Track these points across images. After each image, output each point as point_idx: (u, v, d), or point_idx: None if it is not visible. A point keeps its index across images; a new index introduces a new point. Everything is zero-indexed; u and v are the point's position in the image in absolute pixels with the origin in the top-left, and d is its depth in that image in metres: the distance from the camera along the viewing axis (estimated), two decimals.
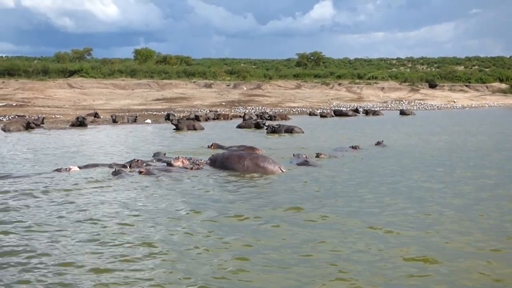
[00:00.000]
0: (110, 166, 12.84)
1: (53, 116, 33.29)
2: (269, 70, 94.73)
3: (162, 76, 76.15)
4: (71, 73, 74.01)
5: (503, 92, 75.97)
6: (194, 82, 74.66)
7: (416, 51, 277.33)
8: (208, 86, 72.29)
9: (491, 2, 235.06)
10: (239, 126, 27.68)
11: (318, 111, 41.71)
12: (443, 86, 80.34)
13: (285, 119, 33.38)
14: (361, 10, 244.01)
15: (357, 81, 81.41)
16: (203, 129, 26.01)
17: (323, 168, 13.02)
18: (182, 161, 13.22)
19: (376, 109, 46.67)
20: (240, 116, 34.90)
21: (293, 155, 14.75)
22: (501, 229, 7.70)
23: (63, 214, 8.37)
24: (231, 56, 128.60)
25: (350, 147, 17.19)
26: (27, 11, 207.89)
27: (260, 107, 47.49)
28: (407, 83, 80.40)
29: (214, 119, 34.38)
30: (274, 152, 16.08)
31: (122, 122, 30.15)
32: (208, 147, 17.57)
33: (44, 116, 30.26)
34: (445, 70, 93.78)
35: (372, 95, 70.12)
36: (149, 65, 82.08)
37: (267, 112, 36.75)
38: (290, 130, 23.94)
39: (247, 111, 41.16)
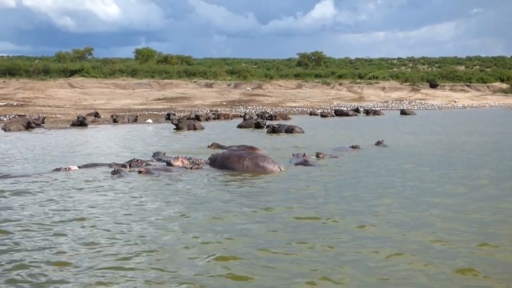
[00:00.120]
0: (109, 165, 12.85)
1: (54, 116, 33.31)
2: (270, 69, 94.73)
3: (163, 76, 76.19)
4: (72, 73, 74.07)
5: (504, 92, 75.91)
6: (195, 82, 74.69)
7: (417, 50, 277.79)
8: (209, 86, 72.31)
9: (492, 2, 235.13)
10: (240, 126, 27.68)
11: (319, 111, 41.70)
12: (444, 86, 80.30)
13: (286, 119, 33.37)
14: (362, 10, 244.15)
15: (358, 81, 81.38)
16: (203, 128, 26.01)
17: (322, 168, 13.03)
18: (182, 161, 13.22)
19: (376, 109, 46.65)
20: (241, 116, 34.89)
21: (293, 154, 14.76)
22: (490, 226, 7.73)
23: (58, 214, 8.38)
24: (232, 56, 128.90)
25: (350, 147, 17.19)
26: (28, 10, 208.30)
27: (260, 107, 47.48)
28: (408, 83, 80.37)
29: (214, 118, 34.38)
30: (274, 152, 16.07)
31: (123, 122, 30.16)
32: (208, 146, 17.57)
33: (44, 115, 30.29)
34: (446, 70, 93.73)
35: (373, 95, 70.09)
36: (150, 65, 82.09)
37: (268, 112, 36.75)
38: (290, 130, 23.94)
39: (248, 110, 41.16)
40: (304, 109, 47.10)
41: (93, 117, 31.23)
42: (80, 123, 27.01)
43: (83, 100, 50.12)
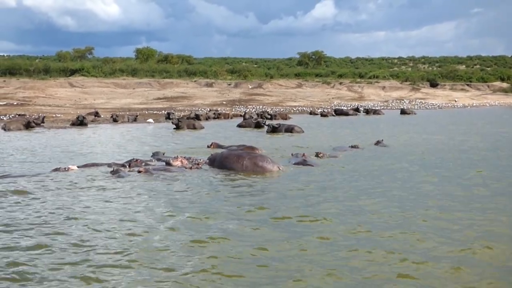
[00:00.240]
0: (109, 165, 12.86)
1: (54, 115, 33.32)
2: (271, 69, 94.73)
3: (163, 75, 76.16)
4: (72, 72, 74.06)
5: (504, 91, 75.84)
6: (195, 81, 74.66)
7: (418, 50, 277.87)
8: (209, 85, 72.28)
9: (492, 2, 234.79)
10: (240, 125, 27.67)
11: (319, 110, 41.67)
12: (444, 85, 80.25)
13: (286, 119, 33.35)
14: (363, 9, 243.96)
15: (358, 80, 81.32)
16: (203, 128, 26.01)
17: (321, 168, 13.04)
18: (181, 161, 13.23)
19: (376, 108, 46.64)
20: (241, 115, 34.87)
21: (292, 154, 14.77)
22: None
23: (56, 213, 8.40)
24: (232, 55, 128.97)
25: (349, 146, 17.20)
26: (29, 10, 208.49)
27: (261, 106, 47.46)
28: (408, 82, 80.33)
29: (214, 118, 34.37)
30: (273, 152, 16.08)
31: (123, 122, 30.16)
32: (208, 146, 17.57)
33: (44, 115, 30.26)
34: (446, 69, 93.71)
35: (373, 94, 70.06)
36: (150, 64, 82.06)
37: (268, 112, 36.73)
38: (290, 130, 23.93)
39: (248, 110, 41.15)
40: (304, 108, 47.08)
41: (93, 117, 31.21)
42: (80, 122, 27.01)
43: (83, 100, 50.10)
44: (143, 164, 13.09)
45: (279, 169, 12.47)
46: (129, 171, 12.30)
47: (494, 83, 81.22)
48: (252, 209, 8.80)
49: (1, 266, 6.09)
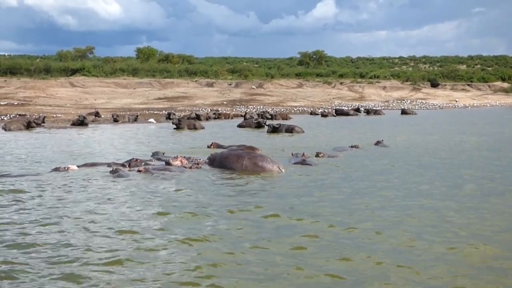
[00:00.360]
0: (108, 165, 12.86)
1: (54, 115, 33.36)
2: (271, 69, 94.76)
3: (164, 75, 76.16)
4: (73, 72, 74.05)
5: (505, 91, 75.81)
6: (196, 81, 74.66)
7: (419, 50, 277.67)
8: (210, 85, 72.27)
9: (494, 1, 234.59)
10: (240, 126, 27.69)
11: (319, 111, 41.67)
12: (445, 85, 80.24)
13: (286, 119, 33.37)
14: (364, 9, 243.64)
15: (359, 80, 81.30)
16: (204, 128, 26.01)
17: (321, 168, 13.04)
18: (181, 160, 13.23)
19: (377, 108, 46.66)
20: (241, 116, 34.88)
21: (292, 154, 14.77)
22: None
23: (54, 213, 8.41)
24: (233, 55, 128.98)
25: (349, 146, 17.21)
26: (30, 9, 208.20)
27: (261, 106, 47.48)
28: (409, 82, 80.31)
29: (215, 118, 34.38)
30: (273, 152, 16.08)
31: (123, 122, 30.18)
32: (208, 146, 17.57)
33: (45, 115, 30.29)
34: (447, 69, 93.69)
35: (374, 94, 70.07)
36: (151, 64, 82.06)
37: (268, 112, 36.74)
38: (290, 130, 23.93)
39: (248, 110, 41.16)
40: (304, 108, 47.11)
41: (93, 117, 31.24)
42: (81, 122, 27.04)
43: (84, 100, 50.13)
44: (143, 163, 13.09)
45: (279, 169, 12.46)
46: (129, 170, 12.30)
47: (495, 83, 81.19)
48: (248, 208, 8.80)
49: None
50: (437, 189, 10.53)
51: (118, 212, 8.52)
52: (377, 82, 79.32)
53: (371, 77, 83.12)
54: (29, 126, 25.04)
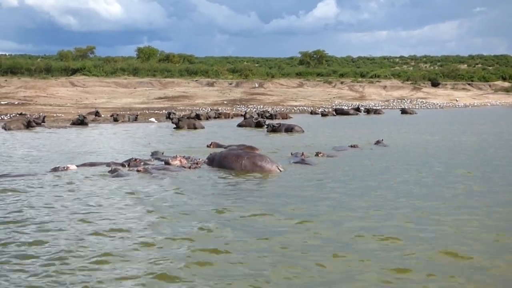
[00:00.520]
0: (107, 165, 12.86)
1: (55, 115, 33.37)
2: (272, 68, 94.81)
3: (164, 74, 76.21)
4: (74, 72, 74.15)
5: (506, 90, 75.84)
6: (196, 80, 74.70)
7: (419, 49, 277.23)
8: (210, 84, 72.31)
9: (495, 1, 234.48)
10: (240, 125, 27.70)
11: (320, 110, 41.67)
12: (446, 84, 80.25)
13: (286, 118, 33.38)
14: (365, 9, 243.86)
15: (360, 79, 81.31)
16: (204, 128, 26.01)
17: (320, 167, 13.02)
18: (180, 160, 13.23)
19: (377, 107, 46.65)
20: (241, 115, 34.88)
21: (291, 154, 14.77)
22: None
23: (53, 212, 8.44)
24: (234, 55, 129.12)
25: (349, 146, 17.21)
26: (31, 9, 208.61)
27: (261, 106, 47.48)
28: (409, 82, 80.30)
29: (215, 118, 34.39)
30: (273, 151, 16.08)
31: (123, 121, 30.19)
32: (208, 146, 17.57)
33: (45, 114, 30.30)
34: (448, 69, 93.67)
35: (374, 93, 70.08)
36: (151, 63, 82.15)
37: (268, 111, 36.74)
38: (290, 129, 23.93)
39: (248, 110, 41.16)
40: (305, 108, 47.11)
41: (93, 116, 31.26)
42: (81, 122, 27.05)
43: (84, 99, 50.18)
44: (142, 163, 13.09)
45: (278, 168, 12.44)
46: (128, 170, 12.30)
47: (496, 83, 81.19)
48: (240, 207, 8.80)
49: None
50: (434, 190, 10.46)
51: (111, 212, 8.53)
52: (378, 81, 79.34)
53: (371, 77, 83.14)
54: (29, 125, 25.07)
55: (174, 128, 25.84)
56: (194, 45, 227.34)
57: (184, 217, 8.20)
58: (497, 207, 8.95)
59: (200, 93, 61.01)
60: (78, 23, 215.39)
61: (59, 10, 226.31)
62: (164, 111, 37.70)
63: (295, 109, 45.55)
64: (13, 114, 32.48)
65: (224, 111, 38.68)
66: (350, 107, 44.78)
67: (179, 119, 26.64)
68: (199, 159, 13.80)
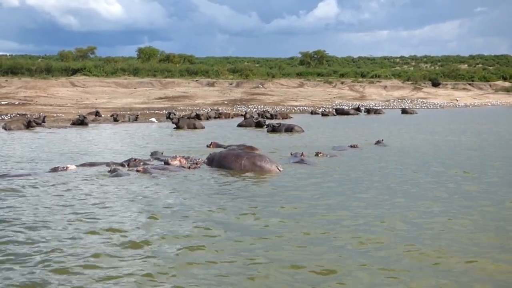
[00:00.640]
0: (107, 165, 12.86)
1: (55, 115, 33.37)
2: (273, 68, 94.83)
3: (165, 74, 76.23)
4: (74, 72, 74.18)
5: (506, 90, 75.81)
6: (196, 80, 74.69)
7: (420, 49, 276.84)
8: (211, 84, 72.31)
9: (495, 1, 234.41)
10: (240, 125, 27.69)
11: (320, 110, 41.66)
12: (446, 84, 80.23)
13: (287, 118, 33.38)
14: (365, 9, 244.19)
15: (360, 79, 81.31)
16: (204, 127, 26.01)
17: (319, 167, 13.01)
18: (180, 160, 13.22)
19: (377, 107, 46.63)
20: (242, 115, 34.86)
21: (291, 154, 14.76)
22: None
23: (51, 212, 8.46)
24: (235, 55, 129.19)
25: (349, 146, 17.20)
26: (32, 9, 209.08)
27: (262, 106, 47.47)
28: (410, 82, 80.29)
29: (215, 117, 34.38)
30: (273, 151, 16.08)
31: (123, 121, 30.19)
32: (207, 146, 17.57)
33: (45, 114, 30.30)
34: (448, 69, 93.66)
35: (374, 93, 70.06)
36: (152, 63, 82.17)
37: (268, 111, 36.73)
38: (290, 129, 23.92)
39: (248, 110, 41.16)
40: (305, 108, 47.10)
41: (93, 116, 31.27)
42: (81, 122, 27.06)
43: (84, 99, 50.19)
44: (142, 163, 13.09)
45: (278, 168, 12.44)
46: (128, 170, 12.30)
47: (496, 82, 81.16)
48: (235, 208, 8.81)
49: None
50: (433, 190, 10.42)
51: (108, 211, 8.56)
52: (378, 81, 79.32)
53: (372, 77, 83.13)
54: (29, 125, 25.07)
55: (174, 128, 25.85)
56: (194, 45, 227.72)
57: (178, 217, 8.20)
58: (491, 207, 8.94)
59: (201, 93, 61.01)
60: (79, 23, 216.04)
61: (60, 10, 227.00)
62: (164, 111, 37.70)
63: (296, 109, 45.54)
64: (14, 114, 32.49)
65: (224, 111, 38.67)
66: (350, 107, 44.76)
67: (179, 119, 26.63)
68: (199, 159, 13.80)
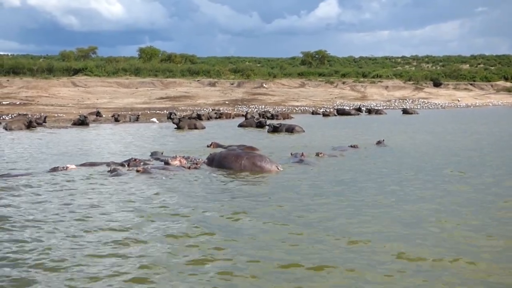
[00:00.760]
0: (107, 165, 12.87)
1: (56, 115, 33.39)
2: (274, 68, 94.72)
3: (166, 74, 76.18)
4: (76, 72, 74.14)
5: (508, 90, 75.64)
6: (198, 80, 74.64)
7: (422, 49, 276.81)
8: (212, 84, 72.26)
9: (497, 1, 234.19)
10: (241, 125, 27.68)
11: (321, 110, 41.64)
12: (448, 84, 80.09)
13: (288, 118, 33.37)
14: (367, 8, 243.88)
15: (362, 79, 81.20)
16: (204, 128, 26.01)
17: (319, 168, 13.02)
18: (180, 160, 13.24)
19: (379, 108, 46.59)
20: (243, 115, 34.85)
21: (291, 154, 14.76)
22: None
23: (51, 212, 8.49)
24: (236, 55, 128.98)
25: (349, 146, 17.19)
26: (33, 9, 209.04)
27: (263, 106, 47.45)
28: (411, 82, 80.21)
29: (216, 118, 34.37)
30: (273, 151, 16.07)
31: (124, 121, 30.20)
32: (208, 146, 17.57)
33: (46, 115, 30.31)
34: (449, 69, 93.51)
35: (376, 93, 69.99)
36: (153, 63, 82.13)
37: (269, 111, 36.72)
38: (291, 129, 23.91)
39: (249, 110, 41.15)
40: (306, 108, 47.07)
41: (94, 116, 31.27)
42: (81, 122, 27.08)
43: (86, 99, 50.19)
44: (142, 163, 13.10)
45: (278, 168, 12.45)
46: (128, 170, 12.31)
47: (498, 83, 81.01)
48: (234, 208, 8.83)
49: None
50: (432, 191, 10.41)
51: (103, 211, 8.61)
52: (380, 81, 79.19)
53: (373, 77, 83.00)
54: (30, 125, 25.08)
55: (175, 128, 25.85)
56: (195, 45, 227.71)
57: (174, 217, 8.25)
58: (485, 209, 8.91)
59: (202, 93, 61.00)
60: (80, 23, 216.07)
61: (61, 10, 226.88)
62: (165, 111, 37.68)
63: (297, 109, 45.52)
64: (15, 114, 32.51)
65: (225, 111, 38.66)
66: (351, 107, 44.73)
67: (179, 119, 26.65)
68: (199, 159, 13.81)
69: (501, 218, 8.35)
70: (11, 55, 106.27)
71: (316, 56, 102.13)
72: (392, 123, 30.62)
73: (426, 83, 79.48)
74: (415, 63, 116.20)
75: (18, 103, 44.15)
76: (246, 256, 6.48)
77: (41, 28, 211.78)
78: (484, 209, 8.91)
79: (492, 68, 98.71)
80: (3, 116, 31.31)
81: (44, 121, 27.15)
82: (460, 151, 16.85)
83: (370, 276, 5.93)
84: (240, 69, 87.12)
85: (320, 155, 14.96)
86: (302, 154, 14.39)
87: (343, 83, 78.53)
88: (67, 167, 12.39)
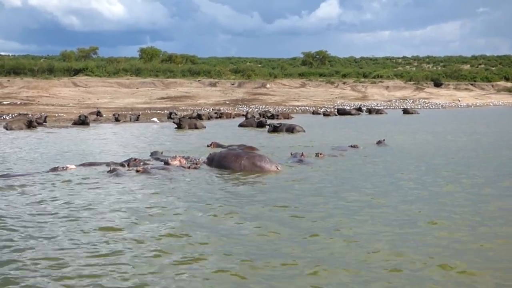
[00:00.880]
0: (107, 164, 12.86)
1: (57, 115, 33.41)
2: (275, 68, 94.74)
3: (167, 74, 76.25)
4: (76, 72, 74.27)
5: (509, 90, 75.65)
6: (198, 81, 74.69)
7: (422, 49, 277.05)
8: (213, 84, 72.31)
9: (497, 1, 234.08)
10: (241, 125, 27.67)
11: (322, 110, 41.64)
12: (448, 85, 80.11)
13: (288, 118, 33.36)
14: (367, 9, 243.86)
15: (362, 80, 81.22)
16: (205, 127, 26.01)
17: (319, 168, 13.00)
18: (180, 160, 13.22)
19: (379, 108, 46.56)
20: (243, 115, 34.85)
21: (291, 154, 14.75)
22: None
23: (50, 212, 8.49)
24: (237, 55, 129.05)
25: (349, 146, 17.17)
26: (34, 10, 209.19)
27: (264, 106, 47.45)
28: (412, 82, 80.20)
29: (216, 118, 34.37)
30: (273, 151, 16.06)
31: (125, 121, 30.21)
32: (208, 146, 17.56)
33: (46, 114, 30.32)
34: (450, 69, 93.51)
35: (376, 94, 70.00)
36: (154, 63, 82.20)
37: (270, 111, 36.71)
38: (291, 129, 23.90)
39: (250, 110, 41.15)
40: (307, 108, 47.08)
41: (95, 116, 31.28)
42: (82, 122, 27.10)
43: (86, 99, 50.23)
44: (142, 163, 13.09)
45: (277, 168, 12.44)
46: (127, 170, 12.30)
47: (499, 83, 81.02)
48: (230, 208, 8.83)
49: None
50: (430, 191, 10.39)
51: (101, 210, 8.61)
52: (380, 82, 79.22)
53: (374, 77, 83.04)
54: (30, 125, 25.10)
55: (176, 128, 25.85)
56: (196, 45, 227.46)
57: (171, 217, 8.24)
58: (484, 210, 8.89)
59: (203, 93, 61.03)
60: (81, 24, 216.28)
61: (62, 11, 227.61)
62: (166, 111, 37.67)
63: (297, 109, 45.53)
64: (15, 114, 32.55)
65: (226, 111, 38.66)
66: (352, 107, 44.72)
67: (180, 119, 26.65)
68: (199, 159, 13.79)
69: (499, 218, 8.34)
70: (12, 55, 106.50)
71: (317, 56, 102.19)
72: (392, 123, 30.60)
73: (426, 83, 79.50)
74: (416, 64, 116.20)
75: (18, 103, 44.19)
76: (241, 256, 6.48)
77: (42, 28, 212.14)
78: (483, 209, 8.88)
79: (493, 68, 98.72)
80: (4, 116, 31.35)
81: (45, 121, 27.16)
82: (460, 151, 16.83)
83: (366, 275, 5.92)
84: (241, 69, 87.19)
85: (319, 155, 14.92)
86: (302, 154, 14.38)
87: (344, 83, 78.56)
88: (67, 167, 12.39)
